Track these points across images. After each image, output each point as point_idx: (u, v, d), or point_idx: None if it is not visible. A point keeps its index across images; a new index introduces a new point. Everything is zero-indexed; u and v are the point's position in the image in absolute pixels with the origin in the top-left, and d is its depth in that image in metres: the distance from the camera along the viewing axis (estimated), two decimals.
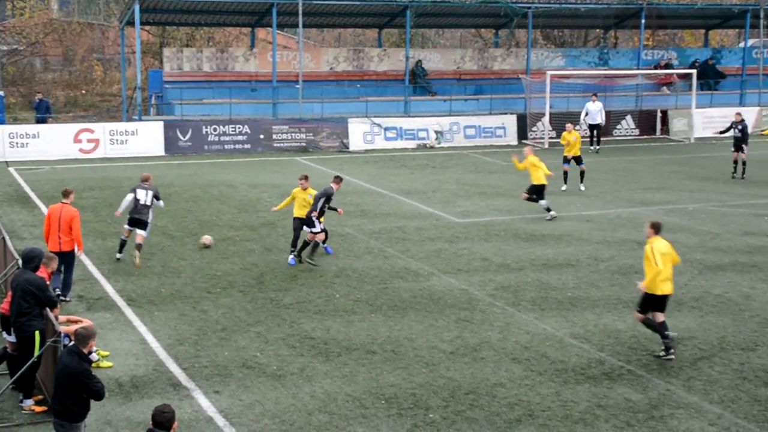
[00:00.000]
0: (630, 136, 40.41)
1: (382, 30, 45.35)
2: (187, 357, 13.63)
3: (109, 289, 16.97)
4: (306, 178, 19.54)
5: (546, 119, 37.49)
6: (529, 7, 40.37)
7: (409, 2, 39.21)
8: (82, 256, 18.68)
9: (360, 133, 36.47)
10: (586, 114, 35.94)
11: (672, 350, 13.72)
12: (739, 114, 31.34)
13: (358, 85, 40.24)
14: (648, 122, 40.94)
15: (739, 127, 30.52)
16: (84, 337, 10.09)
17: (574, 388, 12.68)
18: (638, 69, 42.80)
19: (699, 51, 47.75)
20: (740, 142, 30.33)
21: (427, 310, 15.89)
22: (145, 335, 14.55)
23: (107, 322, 15.10)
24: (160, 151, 33.81)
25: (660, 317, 13.80)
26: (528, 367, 13.40)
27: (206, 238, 20.14)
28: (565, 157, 27.58)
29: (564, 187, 27.27)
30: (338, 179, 19.34)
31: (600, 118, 35.85)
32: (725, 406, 12.20)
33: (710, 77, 44.54)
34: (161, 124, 34.39)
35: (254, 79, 39.55)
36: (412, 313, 15.72)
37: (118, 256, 18.85)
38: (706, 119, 40.53)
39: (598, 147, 35.92)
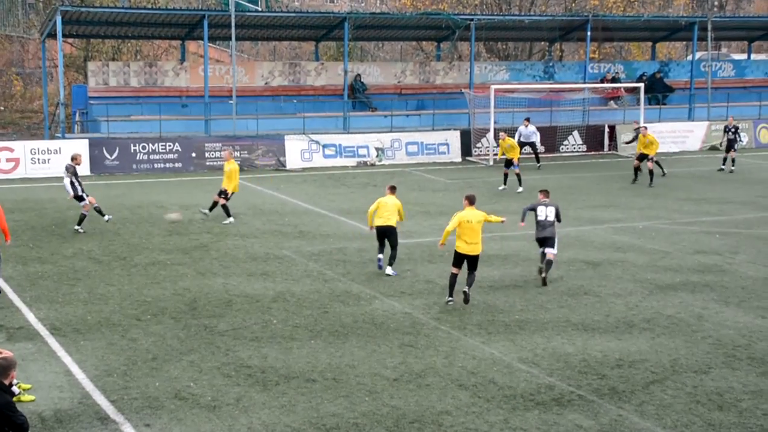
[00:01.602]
0: (577, 152, 40.94)
1: (320, 43, 45.43)
2: (115, 388, 13.44)
3: (30, 317, 16.68)
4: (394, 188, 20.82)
5: (491, 135, 37.81)
6: (472, 19, 40.78)
7: (347, 14, 39.37)
8: (1, 282, 18.37)
9: (297, 151, 36.43)
10: (520, 135, 36.36)
11: (450, 301, 17.55)
12: (732, 118, 37.55)
13: (295, 101, 40.23)
14: (595, 137, 41.55)
15: (733, 129, 36.24)
16: (3, 368, 9.90)
17: (523, 414, 12.75)
18: (584, 83, 43.43)
19: (646, 64, 48.65)
20: (733, 143, 36.03)
21: (369, 335, 15.87)
22: (70, 366, 14.31)
23: (29, 353, 14.83)
24: (85, 170, 33.40)
25: (473, 275, 17.64)
26: (475, 393, 13.44)
27: (173, 215, 20.48)
28: (506, 160, 30.95)
29: (502, 187, 30.13)
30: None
31: (535, 138, 36.35)
32: (679, 431, 12.35)
33: (658, 91, 45.38)
34: (86, 142, 34.00)
35: (185, 95, 39.33)
36: (354, 338, 15.69)
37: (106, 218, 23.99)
38: (655, 134, 41.18)
39: (539, 164, 36.34)
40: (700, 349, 15.39)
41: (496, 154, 37.55)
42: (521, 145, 35.40)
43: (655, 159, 32.88)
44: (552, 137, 40.47)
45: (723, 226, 25.73)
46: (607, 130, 41.80)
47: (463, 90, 40.96)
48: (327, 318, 16.79)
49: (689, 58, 52.44)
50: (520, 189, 30.59)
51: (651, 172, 32.63)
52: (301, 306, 17.52)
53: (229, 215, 25.22)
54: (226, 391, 13.42)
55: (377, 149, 37.55)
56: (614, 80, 44.86)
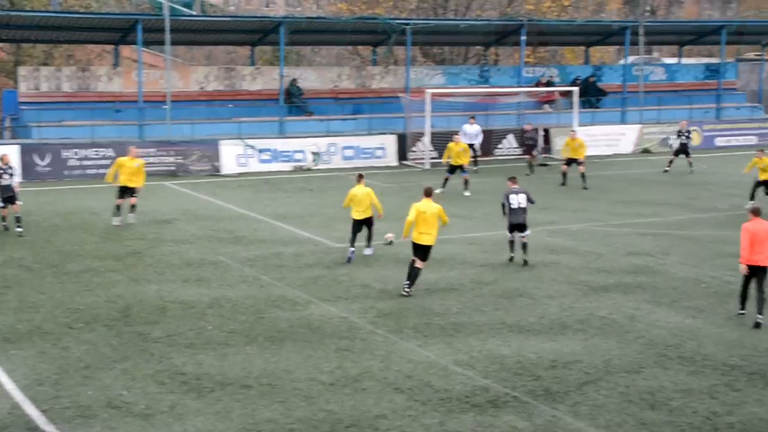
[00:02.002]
0: (512, 155, 41.25)
1: (255, 47, 45.23)
2: (46, 398, 13.23)
3: None
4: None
5: (426, 139, 37.95)
6: (408, 24, 40.92)
7: (282, 19, 39.27)
8: None
9: (233, 156, 36.22)
10: (463, 135, 36.55)
11: (407, 291, 18.26)
12: (685, 122, 38.39)
13: (230, 105, 40.00)
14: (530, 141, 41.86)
15: (686, 133, 37.00)
16: None
17: (458, 417, 12.81)
18: (519, 87, 43.79)
19: (580, 68, 49.21)
20: (687, 147, 36.87)
21: (305, 340, 15.83)
22: None
23: None
24: (16, 176, 32.77)
25: (418, 264, 18.43)
26: (411, 396, 13.47)
27: (389, 235, 22.15)
28: (452, 167, 30.93)
29: (439, 190, 29.50)
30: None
31: (476, 141, 36.54)
32: (612, 430, 12.51)
33: (592, 95, 45.91)
34: (17, 147, 33.42)
35: (118, 100, 38.86)
36: (290, 343, 15.64)
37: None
38: (588, 138, 41.64)
39: (476, 167, 36.60)
40: (633, 350, 15.60)
41: (434, 158, 37.74)
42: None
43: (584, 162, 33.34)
44: (487, 141, 40.67)
45: (655, 227, 26.14)
46: (541, 133, 42.15)
47: (399, 94, 41.07)
48: (263, 323, 16.72)
49: (622, 62, 53.14)
50: (468, 193, 30.77)
51: (583, 176, 33.03)
52: (237, 312, 17.42)
53: (117, 215, 25.34)
54: (160, 398, 13.29)
55: (313, 154, 37.49)
56: (548, 84, 45.31)
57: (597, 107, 45.90)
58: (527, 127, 37.98)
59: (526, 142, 37.82)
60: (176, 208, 27.97)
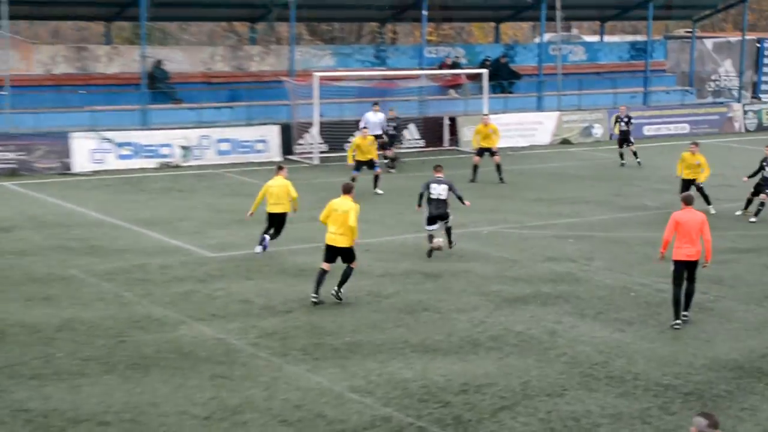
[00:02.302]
0: (414, 148, 41.46)
1: (111, 23, 44.53)
2: None
3: None
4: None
5: (315, 129, 37.88)
6: None
7: None
8: None
9: (86, 151, 35.58)
10: (365, 126, 36.58)
11: (314, 298, 18.87)
12: (624, 107, 39.11)
13: (82, 92, 39.29)
14: (434, 131, 42.15)
15: (626, 119, 37.62)
16: None
17: None
18: (421, 69, 44.04)
19: (490, 47, 49.78)
20: (628, 135, 37.52)
21: (175, 366, 15.62)
22: None
23: None
24: None
25: (324, 266, 19.10)
26: (300, 429, 13.40)
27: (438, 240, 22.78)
28: (358, 163, 30.85)
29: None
30: None
31: (381, 131, 36.64)
32: None
33: (503, 78, 46.46)
34: None
35: None
36: (157, 371, 15.41)
37: None
38: (501, 127, 42.12)
39: (393, 166, 36.66)
40: (554, 369, 15.79)
41: (324, 152, 37.69)
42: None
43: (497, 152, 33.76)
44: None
45: (577, 229, 26.55)
46: (447, 122, 42.49)
47: (282, 78, 40.91)
48: (124, 348, 16.45)
49: (537, 40, 53.94)
50: (380, 191, 30.90)
51: (498, 167, 33.46)
52: (93, 335, 17.10)
53: None
54: None
55: (183, 148, 37.08)
56: (454, 66, 45.68)
57: (510, 92, 46.49)
58: (391, 113, 37.35)
59: (389, 132, 36.88)
60: (18, 213, 27.36)
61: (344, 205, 19.24)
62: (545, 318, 18.46)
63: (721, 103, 51.12)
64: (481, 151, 34.10)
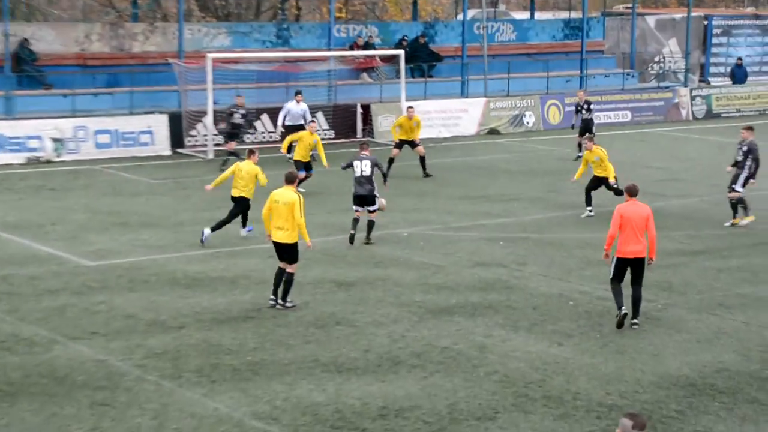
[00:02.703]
0: (323, 139, 41.33)
1: None
2: None
3: None
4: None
5: (209, 119, 37.60)
6: None
7: None
8: None
9: None
10: (285, 116, 36.40)
11: (272, 300, 19.55)
12: (582, 92, 39.84)
13: None
14: (345, 121, 42.12)
15: (585, 106, 38.09)
16: None
17: None
18: (329, 50, 43.98)
19: (407, 26, 49.99)
20: (590, 123, 37.86)
21: (47, 393, 15.38)
22: None
23: None
24: None
25: (288, 268, 19.51)
26: None
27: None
28: (297, 163, 30.31)
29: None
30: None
31: (304, 122, 36.58)
32: None
33: (423, 60, 46.62)
34: None
35: None
36: (26, 399, 15.16)
37: None
38: (420, 116, 42.24)
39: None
40: (485, 389, 15.83)
41: (219, 144, 37.38)
42: (289, 130, 34.82)
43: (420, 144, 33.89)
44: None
45: (508, 230, 26.69)
46: (360, 110, 42.50)
47: (170, 60, 40.57)
48: None
49: (459, 17, 54.22)
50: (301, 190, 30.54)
51: (423, 160, 33.65)
52: None
53: None
54: None
55: (54, 140, 36.62)
56: (367, 47, 45.71)
57: (430, 76, 46.65)
58: (239, 100, 35.50)
59: (233, 121, 35.12)
60: None
61: (285, 196, 19.46)
62: (474, 331, 18.50)
63: (666, 87, 51.82)
64: (400, 144, 34.14)
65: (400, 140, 34.19)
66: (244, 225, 25.18)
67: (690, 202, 29.90)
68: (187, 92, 39.11)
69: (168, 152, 37.90)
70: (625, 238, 18.37)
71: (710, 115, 50.98)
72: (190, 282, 21.28)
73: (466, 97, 45.71)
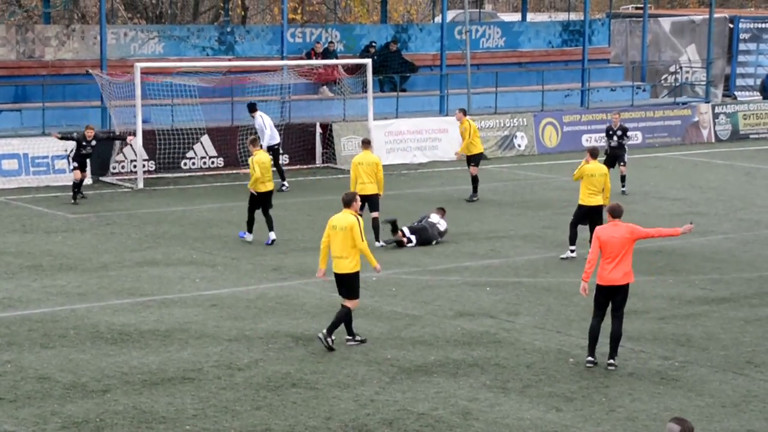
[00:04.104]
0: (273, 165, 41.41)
1: None
2: None
3: None
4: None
5: (138, 141, 37.49)
6: None
7: None
8: None
9: None
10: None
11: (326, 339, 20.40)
12: (618, 115, 38.64)
13: None
14: (302, 143, 42.09)
15: (619, 132, 37.30)
16: None
17: None
18: (282, 59, 43.98)
19: (375, 29, 50.02)
20: (622, 152, 37.19)
21: None
22: None
23: None
24: None
25: (347, 303, 20.72)
26: None
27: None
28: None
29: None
30: None
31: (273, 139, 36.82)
32: None
33: (394, 71, 46.62)
34: None
35: None
36: None
37: None
38: (391, 137, 42.41)
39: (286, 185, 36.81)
40: None
41: (148, 171, 37.37)
42: (272, 152, 35.60)
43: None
44: (233, 144, 40.65)
45: (496, 273, 26.76)
46: (319, 131, 42.49)
47: (90, 71, 40.57)
48: None
49: (438, 20, 54.36)
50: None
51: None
52: None
53: None
54: None
55: None
56: (327, 54, 45.76)
57: (403, 90, 46.69)
58: (88, 133, 35.15)
59: (82, 153, 35.29)
60: None
61: (344, 220, 20.57)
62: (456, 394, 18.53)
63: (684, 103, 51.91)
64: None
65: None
66: (249, 231, 29.14)
67: (713, 240, 30.04)
68: (112, 109, 39.07)
69: (89, 181, 37.87)
70: (603, 263, 19.19)
71: (737, 136, 51.04)
72: (117, 336, 21.21)
73: (446, 114, 45.71)
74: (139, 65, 38.01)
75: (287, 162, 41.08)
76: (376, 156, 29.75)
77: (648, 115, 49.42)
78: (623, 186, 36.90)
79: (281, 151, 38.44)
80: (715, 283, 26.22)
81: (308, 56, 45.60)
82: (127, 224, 31.03)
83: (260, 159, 28.60)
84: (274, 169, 33.39)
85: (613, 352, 19.36)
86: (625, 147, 37.86)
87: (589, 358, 19.58)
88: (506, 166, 42.31)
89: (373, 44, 47.17)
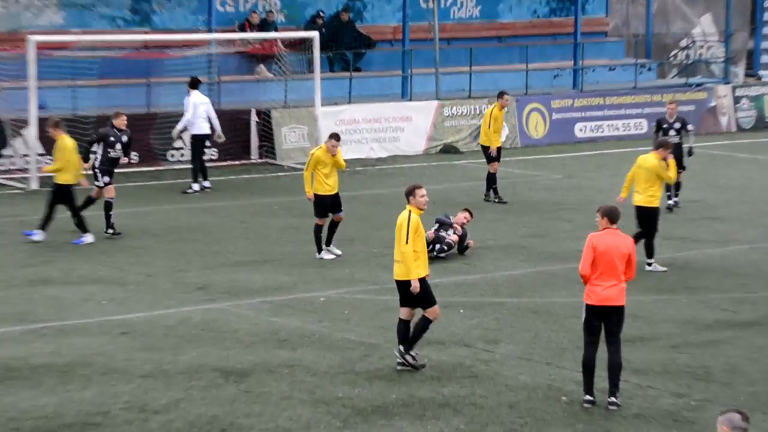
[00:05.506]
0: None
1: None
2: None
3: None
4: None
5: (32, 131, 37.29)
6: None
7: None
8: None
9: None
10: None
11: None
12: (674, 104, 36.22)
13: None
14: (234, 134, 41.89)
15: (676, 125, 35.05)
16: None
17: None
18: (209, 31, 43.86)
19: None
20: (680, 151, 34.07)
21: None
22: None
23: None
24: None
25: (426, 313, 21.27)
26: None
27: None
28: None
29: None
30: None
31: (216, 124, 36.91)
32: None
33: (347, 46, 46.63)
34: None
35: None
36: None
37: None
38: (343, 126, 42.22)
39: (204, 183, 36.71)
40: None
41: (40, 168, 37.15)
42: (197, 145, 36.56)
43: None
44: (147, 136, 40.33)
45: (472, 292, 26.71)
46: (254, 119, 42.37)
47: None
48: None
49: None
50: None
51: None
52: None
53: None
54: None
55: None
56: (265, 26, 45.67)
57: (357, 69, 46.75)
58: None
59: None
60: None
61: (400, 216, 21.24)
62: None
63: (699, 85, 52.03)
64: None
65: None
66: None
67: (735, 250, 30.05)
68: (2, 92, 38.86)
69: None
70: (597, 278, 18.75)
71: (762, 124, 51.19)
72: (3, 373, 21.00)
73: (410, 99, 45.75)
74: (33, 38, 37.82)
75: (216, 157, 40.89)
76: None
77: (654, 99, 49.47)
78: (676, 196, 34.90)
79: (207, 144, 38.11)
80: (738, 303, 26.21)
81: (242, 28, 45.48)
82: (17, 233, 30.76)
83: (62, 144, 29.05)
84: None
85: (614, 388, 19.08)
86: (686, 147, 35.40)
87: (586, 397, 19.32)
88: (482, 161, 42.19)
89: (321, 14, 47.17)
